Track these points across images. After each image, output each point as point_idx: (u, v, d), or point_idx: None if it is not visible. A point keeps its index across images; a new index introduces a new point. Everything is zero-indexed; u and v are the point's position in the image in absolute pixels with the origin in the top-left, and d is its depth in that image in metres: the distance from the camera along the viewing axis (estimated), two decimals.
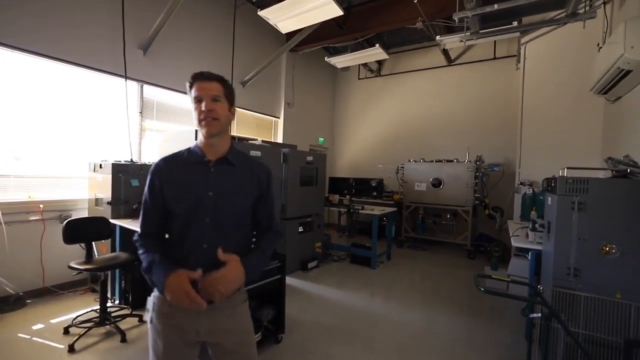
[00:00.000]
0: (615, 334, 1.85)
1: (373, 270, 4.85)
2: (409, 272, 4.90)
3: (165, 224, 1.22)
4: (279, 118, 6.73)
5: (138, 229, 1.23)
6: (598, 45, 3.56)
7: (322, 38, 6.01)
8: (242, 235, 1.27)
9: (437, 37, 4.96)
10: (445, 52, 6.49)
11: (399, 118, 7.63)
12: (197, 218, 1.16)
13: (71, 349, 2.47)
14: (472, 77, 6.67)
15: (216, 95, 1.17)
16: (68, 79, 3.72)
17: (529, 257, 2.85)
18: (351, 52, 6.03)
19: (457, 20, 2.47)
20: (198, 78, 1.17)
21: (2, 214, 3.14)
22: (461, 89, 6.80)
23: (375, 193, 5.39)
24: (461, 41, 3.20)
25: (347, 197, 5.70)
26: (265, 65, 5.69)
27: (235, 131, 5.71)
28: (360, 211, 5.00)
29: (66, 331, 2.73)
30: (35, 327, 2.83)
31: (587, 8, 2.57)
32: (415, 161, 6.44)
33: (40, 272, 3.44)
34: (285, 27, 4.60)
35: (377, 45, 5.63)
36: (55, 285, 3.52)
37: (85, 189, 3.78)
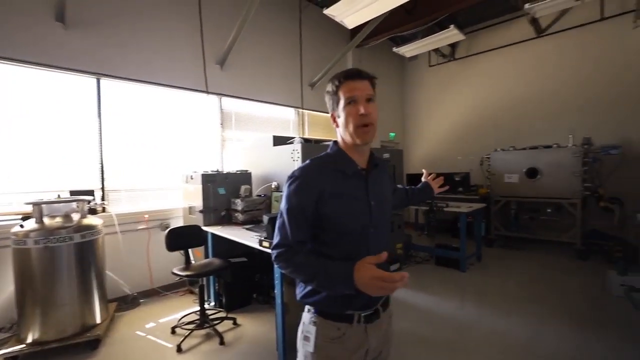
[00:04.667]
0: None
1: (462, 272, 4.41)
2: (505, 274, 4.34)
3: (310, 237, 1.10)
4: None
5: (277, 241, 1.09)
6: None
7: (389, 28, 5.69)
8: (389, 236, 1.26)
9: (526, 6, 4.30)
10: (534, 21, 5.62)
11: (479, 104, 6.86)
12: (365, 231, 1.10)
13: (179, 349, 2.67)
14: (571, 45, 5.64)
15: (371, 95, 1.06)
16: (159, 99, 4.11)
17: None
18: (422, 38, 5.60)
19: None
20: (350, 77, 1.05)
21: (118, 223, 3.57)
22: (557, 61, 5.80)
23: (461, 188, 4.90)
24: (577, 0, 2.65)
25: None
26: (332, 64, 5.60)
27: (308, 133, 5.75)
28: (445, 209, 4.58)
29: (173, 331, 2.97)
30: (148, 326, 3.14)
31: None
32: (503, 150, 5.72)
33: (148, 274, 3.85)
34: (351, 22, 4.42)
35: (452, 26, 5.13)
36: (161, 287, 3.91)
37: (180, 198, 4.13)
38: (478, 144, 6.63)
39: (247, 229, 3.26)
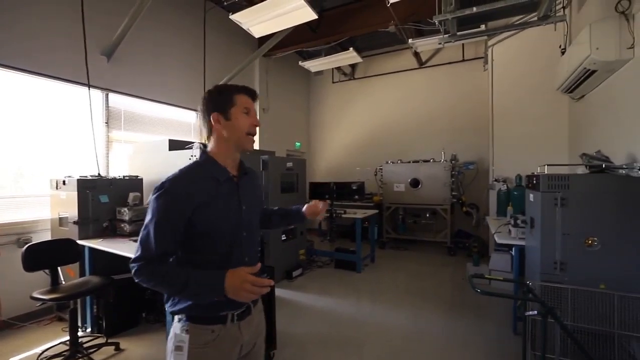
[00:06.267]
0: (600, 324, 1.91)
1: (358, 273, 4.82)
2: (394, 272, 4.92)
3: (177, 248, 1.09)
4: None
5: (138, 254, 1.01)
6: (560, 47, 3.76)
7: (295, 42, 5.94)
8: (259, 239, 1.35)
9: (410, 40, 5.05)
10: (416, 54, 6.64)
11: (375, 120, 7.70)
12: (238, 234, 1.16)
13: None
14: (443, 78, 6.86)
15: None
16: (25, 90, 3.40)
17: (513, 253, 2.92)
18: (325, 56, 6.01)
19: (437, 23, 2.50)
20: (249, 93, 1.17)
21: None
22: (433, 90, 6.97)
23: (357, 196, 5.38)
24: (440, 44, 3.27)
25: (328, 201, 5.64)
26: (238, 71, 5.54)
27: None
28: (343, 215, 4.96)
29: None
30: None
31: (554, 12, 2.69)
32: (392, 162, 6.51)
33: None
34: (258, 31, 4.48)
35: (351, 49, 5.66)
36: (15, 318, 3.17)
37: (46, 208, 3.46)
38: (373, 156, 7.39)
39: (135, 240, 2.93)
